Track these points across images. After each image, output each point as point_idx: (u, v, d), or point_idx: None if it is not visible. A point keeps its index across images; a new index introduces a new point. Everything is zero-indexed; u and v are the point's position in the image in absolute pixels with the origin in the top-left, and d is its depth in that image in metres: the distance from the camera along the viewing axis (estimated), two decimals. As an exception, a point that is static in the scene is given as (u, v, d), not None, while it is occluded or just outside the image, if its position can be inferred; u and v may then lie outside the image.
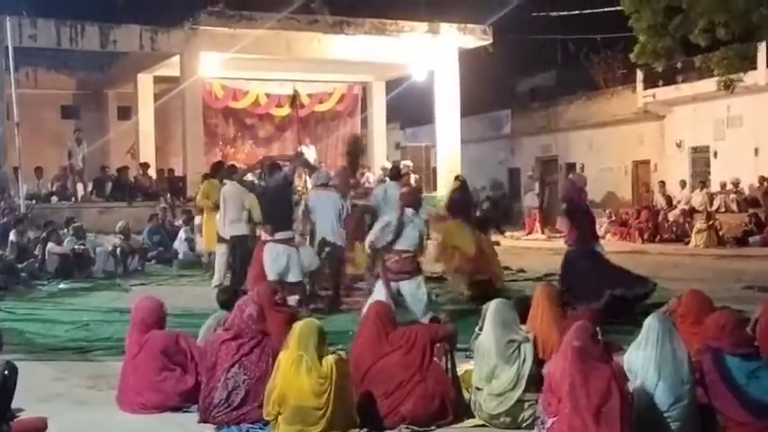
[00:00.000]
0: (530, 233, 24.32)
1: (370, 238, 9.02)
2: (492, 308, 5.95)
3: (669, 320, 5.60)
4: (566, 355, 5.02)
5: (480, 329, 6.04)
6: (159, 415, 5.95)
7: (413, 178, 17.99)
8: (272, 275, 9.65)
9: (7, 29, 17.50)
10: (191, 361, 6.16)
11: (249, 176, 12.76)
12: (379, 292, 8.61)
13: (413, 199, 8.95)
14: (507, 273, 11.52)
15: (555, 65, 34.95)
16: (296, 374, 5.25)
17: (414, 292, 8.58)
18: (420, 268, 8.82)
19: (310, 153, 23.72)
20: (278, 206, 10.10)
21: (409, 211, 8.72)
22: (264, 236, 10.10)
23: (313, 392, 5.22)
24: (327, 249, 10.44)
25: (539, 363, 5.69)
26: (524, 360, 5.65)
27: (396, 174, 12.34)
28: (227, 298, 7.04)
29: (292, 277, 9.75)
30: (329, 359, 5.32)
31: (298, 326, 5.49)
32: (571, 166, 29.21)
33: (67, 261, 13.95)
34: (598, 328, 5.38)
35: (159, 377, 6.08)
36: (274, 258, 9.73)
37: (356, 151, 13.56)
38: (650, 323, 5.37)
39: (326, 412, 5.21)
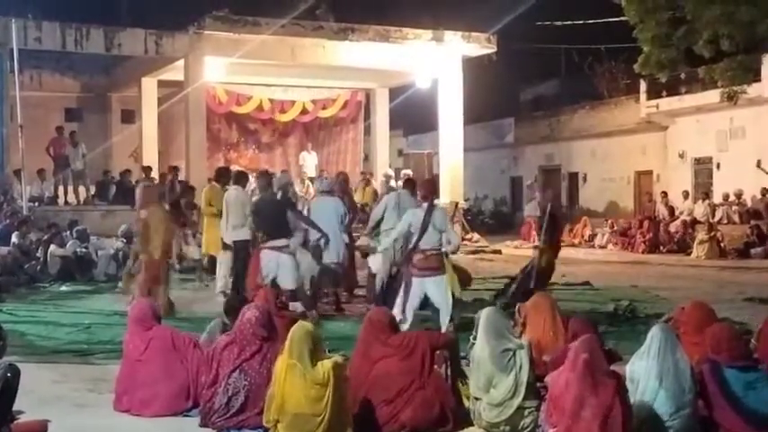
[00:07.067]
0: (532, 241, 24.27)
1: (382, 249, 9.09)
2: (484, 317, 5.91)
3: (672, 331, 5.60)
4: (573, 366, 4.98)
5: (475, 338, 6.00)
6: (160, 419, 5.95)
7: (403, 173, 17.86)
8: (262, 280, 9.62)
9: (12, 31, 17.55)
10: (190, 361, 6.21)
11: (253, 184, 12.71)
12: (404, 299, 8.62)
13: (431, 188, 8.83)
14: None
15: (558, 74, 35.06)
16: (291, 382, 5.20)
17: (439, 290, 8.58)
18: (444, 266, 8.71)
19: (312, 159, 23.81)
20: (269, 214, 10.00)
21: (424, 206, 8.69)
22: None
23: (310, 399, 5.16)
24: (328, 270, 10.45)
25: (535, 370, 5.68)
26: (521, 367, 5.61)
27: (408, 184, 11.18)
28: (233, 306, 7.01)
29: (284, 284, 9.63)
30: (326, 364, 5.22)
31: (291, 332, 5.44)
32: (573, 176, 29.29)
33: (69, 264, 13.95)
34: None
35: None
36: (264, 264, 9.72)
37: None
38: (653, 333, 5.37)
39: (325, 418, 5.14)
